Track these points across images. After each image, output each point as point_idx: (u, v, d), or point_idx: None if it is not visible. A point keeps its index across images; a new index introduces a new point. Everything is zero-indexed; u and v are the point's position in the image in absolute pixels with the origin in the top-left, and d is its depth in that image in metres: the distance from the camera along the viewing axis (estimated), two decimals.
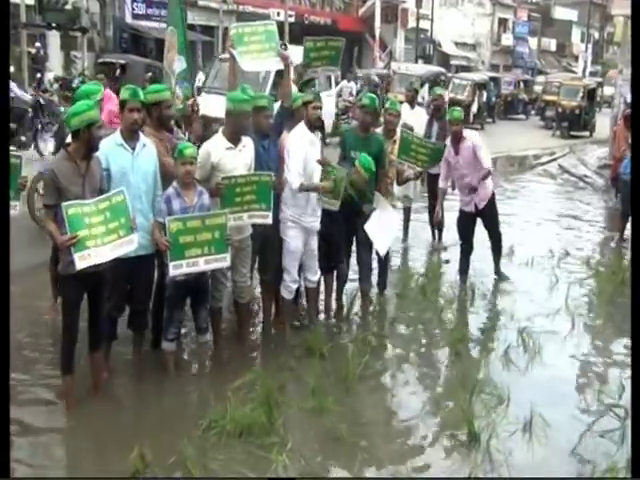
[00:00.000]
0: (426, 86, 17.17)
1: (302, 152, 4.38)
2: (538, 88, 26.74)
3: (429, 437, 3.58)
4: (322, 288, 5.01)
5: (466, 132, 5.73)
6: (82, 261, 3.33)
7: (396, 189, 5.90)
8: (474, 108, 20.39)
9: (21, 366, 4.12)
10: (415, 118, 6.90)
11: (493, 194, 5.87)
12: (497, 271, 6.01)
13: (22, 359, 4.19)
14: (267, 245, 4.44)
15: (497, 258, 6.03)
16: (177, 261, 3.72)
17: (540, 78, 29.69)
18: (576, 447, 3.49)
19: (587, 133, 20.39)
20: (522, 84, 26.76)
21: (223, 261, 3.89)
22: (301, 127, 4.49)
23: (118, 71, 14.71)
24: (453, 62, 33.71)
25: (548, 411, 3.74)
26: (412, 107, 7.34)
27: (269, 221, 4.24)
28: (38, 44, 18.01)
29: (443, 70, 21.92)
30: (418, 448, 3.50)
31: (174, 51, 5.41)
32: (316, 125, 4.54)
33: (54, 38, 19.08)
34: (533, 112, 25.86)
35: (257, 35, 4.58)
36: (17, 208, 3.60)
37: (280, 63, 4.62)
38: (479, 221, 5.93)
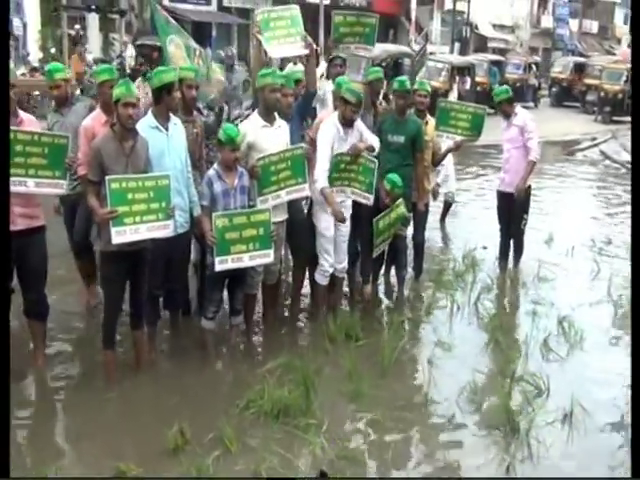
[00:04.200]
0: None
1: (329, 146, 4.31)
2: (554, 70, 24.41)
3: (466, 425, 3.55)
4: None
5: (519, 110, 5.67)
6: (119, 236, 3.41)
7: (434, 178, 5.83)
8: (452, 97, 16.29)
9: (68, 339, 4.25)
10: None
11: (529, 187, 5.67)
12: (515, 269, 5.82)
13: (70, 332, 4.31)
14: (296, 227, 4.45)
15: (517, 259, 5.82)
16: (223, 256, 3.77)
17: (554, 58, 27.57)
18: (617, 439, 3.42)
19: (630, 118, 19.71)
20: (534, 67, 23.66)
21: (267, 257, 3.94)
22: (332, 119, 4.39)
23: (155, 54, 14.79)
24: (490, 45, 32.95)
25: (589, 402, 3.67)
26: None
27: (307, 193, 4.31)
28: (77, 26, 18.27)
29: (407, 50, 17.35)
30: (455, 435, 3.47)
31: (182, 61, 5.24)
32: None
33: (93, 20, 19.32)
34: (547, 98, 23.66)
35: (283, 20, 4.56)
36: (64, 187, 3.66)
37: (304, 48, 4.58)
38: None
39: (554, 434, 3.45)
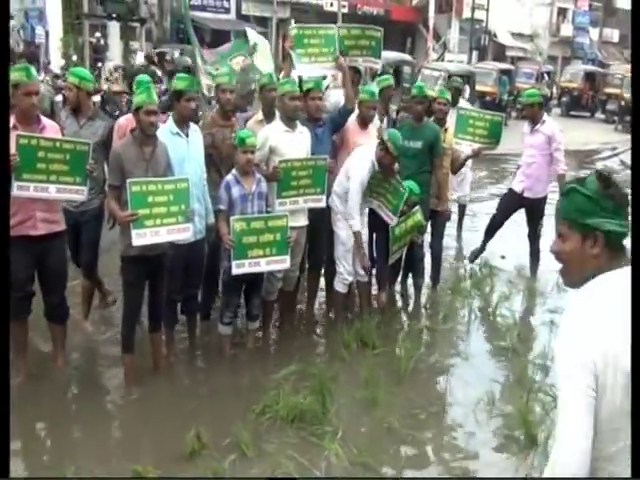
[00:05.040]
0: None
1: (364, 182, 4.36)
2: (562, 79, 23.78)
3: (484, 435, 3.51)
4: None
5: (547, 118, 5.70)
6: (139, 239, 3.44)
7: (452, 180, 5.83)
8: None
9: (84, 343, 4.29)
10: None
11: (546, 197, 5.72)
12: (534, 274, 5.84)
13: (85, 337, 4.36)
14: (315, 234, 4.46)
15: (534, 264, 5.85)
16: (240, 260, 3.80)
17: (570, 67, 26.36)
18: None
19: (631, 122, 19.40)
20: (546, 76, 22.72)
21: (283, 262, 3.97)
22: (369, 155, 4.41)
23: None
24: (509, 53, 32.82)
25: None
26: (453, 105, 7.13)
27: (323, 204, 4.32)
28: (98, 34, 18.57)
29: (407, 58, 16.74)
30: (472, 445, 3.44)
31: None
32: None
33: (114, 28, 19.65)
34: (557, 108, 22.65)
35: (317, 38, 4.58)
36: (84, 193, 3.70)
37: (335, 69, 4.62)
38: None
39: None
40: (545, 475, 1.58)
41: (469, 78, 16.93)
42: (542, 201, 5.69)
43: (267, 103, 4.54)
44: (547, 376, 4.11)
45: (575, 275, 1.63)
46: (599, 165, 13.60)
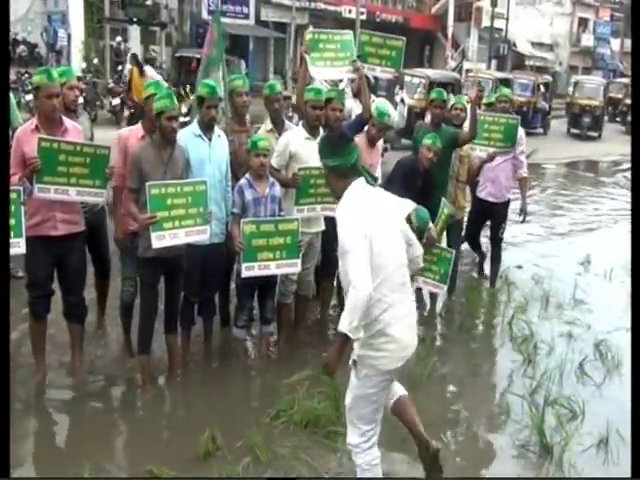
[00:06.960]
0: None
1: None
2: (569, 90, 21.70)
3: (498, 446, 3.49)
4: None
5: None
6: (158, 241, 3.46)
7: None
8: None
9: (100, 343, 4.33)
10: None
11: (509, 200, 5.69)
12: (492, 283, 5.77)
13: (101, 337, 4.41)
14: (327, 243, 4.45)
15: (495, 268, 5.79)
16: (250, 263, 3.82)
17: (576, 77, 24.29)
18: None
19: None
20: (543, 88, 20.23)
21: (294, 266, 3.97)
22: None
23: (194, 65, 15.18)
24: (528, 63, 32.69)
25: (626, 428, 3.56)
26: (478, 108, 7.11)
27: None
28: (119, 38, 18.81)
29: None
30: (486, 456, 3.42)
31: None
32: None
33: (135, 32, 19.89)
34: (571, 128, 20.08)
35: (332, 43, 4.56)
36: (104, 196, 3.73)
37: (351, 73, 4.59)
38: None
39: (588, 459, 3.37)
40: (345, 309, 2.47)
41: (453, 86, 15.14)
42: (505, 205, 5.68)
43: (272, 113, 4.50)
44: (563, 387, 4.07)
45: (337, 194, 2.71)
46: (619, 176, 13.49)
